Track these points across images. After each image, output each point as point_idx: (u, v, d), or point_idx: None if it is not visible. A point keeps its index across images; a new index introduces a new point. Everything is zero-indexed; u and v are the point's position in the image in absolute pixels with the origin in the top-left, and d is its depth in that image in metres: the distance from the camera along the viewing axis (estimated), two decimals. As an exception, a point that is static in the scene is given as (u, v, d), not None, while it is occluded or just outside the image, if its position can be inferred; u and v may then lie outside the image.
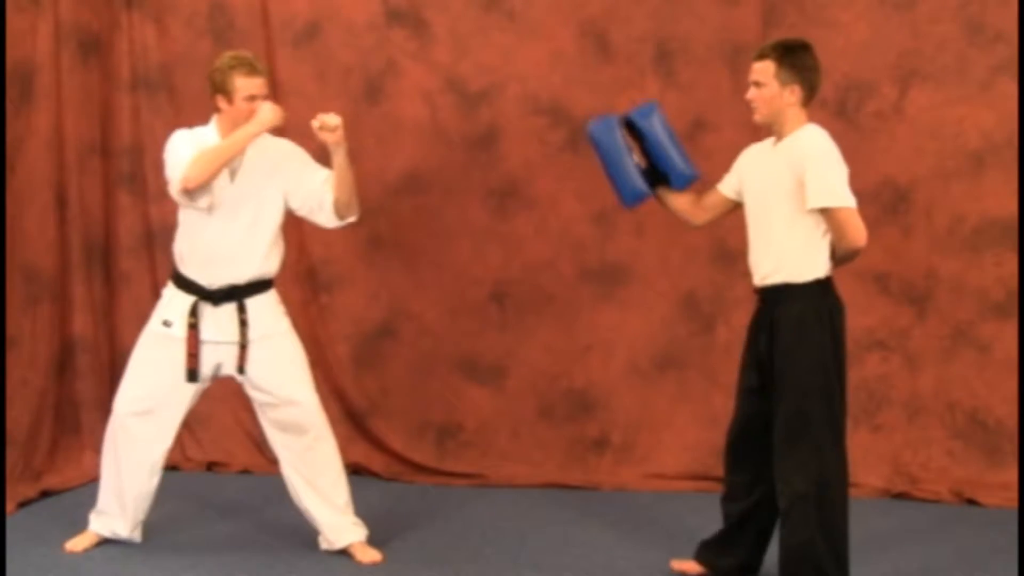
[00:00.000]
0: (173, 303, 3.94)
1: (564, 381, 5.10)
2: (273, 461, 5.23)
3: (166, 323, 3.93)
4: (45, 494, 4.73)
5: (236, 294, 3.92)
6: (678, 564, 3.84)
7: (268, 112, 3.78)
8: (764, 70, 3.47)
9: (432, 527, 4.38)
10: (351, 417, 5.21)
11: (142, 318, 5.31)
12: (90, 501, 4.68)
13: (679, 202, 3.79)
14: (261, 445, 5.32)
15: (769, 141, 3.60)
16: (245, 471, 5.24)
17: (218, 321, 3.91)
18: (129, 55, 5.30)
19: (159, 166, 5.28)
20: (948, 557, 3.98)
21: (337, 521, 4.02)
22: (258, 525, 4.39)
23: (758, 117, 3.53)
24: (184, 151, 3.78)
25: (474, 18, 5.05)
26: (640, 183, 3.68)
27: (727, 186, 3.72)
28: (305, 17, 5.19)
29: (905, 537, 4.08)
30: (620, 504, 4.71)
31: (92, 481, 4.96)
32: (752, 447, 3.60)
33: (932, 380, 4.79)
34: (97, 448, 5.11)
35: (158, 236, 5.34)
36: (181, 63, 5.29)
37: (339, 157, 3.86)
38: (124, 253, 5.34)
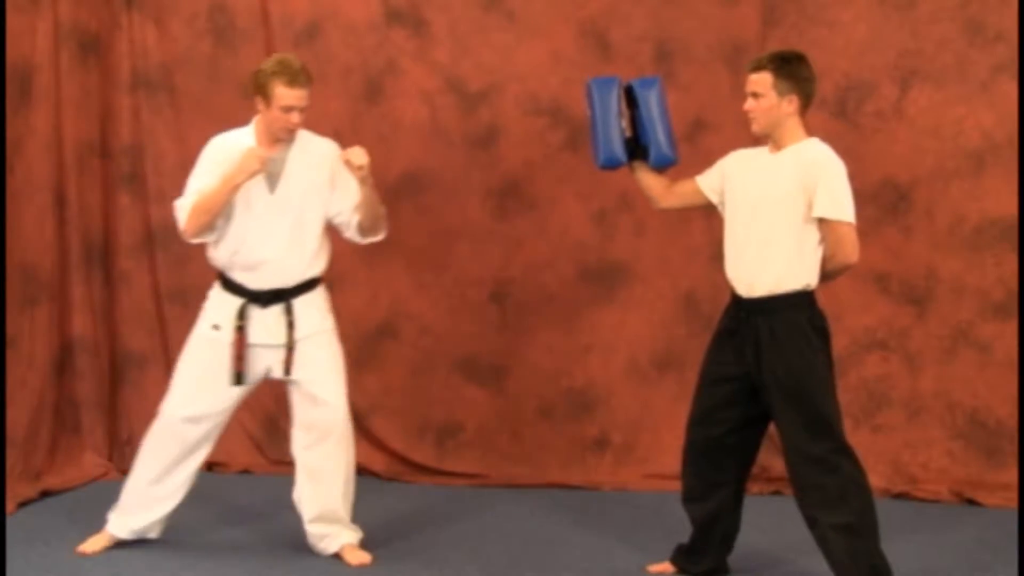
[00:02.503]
0: (222, 306, 3.91)
1: (564, 381, 5.10)
2: (273, 461, 5.28)
3: (216, 327, 3.90)
4: (45, 494, 4.72)
5: (284, 295, 3.90)
6: (654, 568, 3.85)
7: (253, 162, 3.73)
8: (762, 81, 3.49)
9: (432, 527, 4.38)
10: (351, 417, 5.19)
11: (142, 318, 5.36)
12: (90, 501, 4.68)
13: (652, 180, 3.82)
14: (261, 445, 5.33)
15: (762, 149, 3.61)
16: (245, 471, 5.24)
17: (266, 324, 3.88)
18: (129, 55, 5.30)
19: (159, 166, 5.35)
20: (948, 557, 3.98)
21: (331, 530, 3.99)
22: (258, 525, 4.39)
23: (756, 128, 3.55)
24: (189, 195, 3.84)
25: (474, 18, 5.05)
26: (619, 149, 3.72)
27: (707, 183, 3.73)
28: (305, 17, 5.19)
29: (905, 537, 4.08)
30: (620, 504, 4.71)
31: (92, 481, 4.98)
32: (719, 451, 3.64)
33: (932, 380, 4.79)
34: (97, 448, 5.13)
35: (158, 236, 5.34)
36: (181, 63, 5.29)
37: (363, 192, 3.86)
38: (124, 253, 5.34)
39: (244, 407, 5.31)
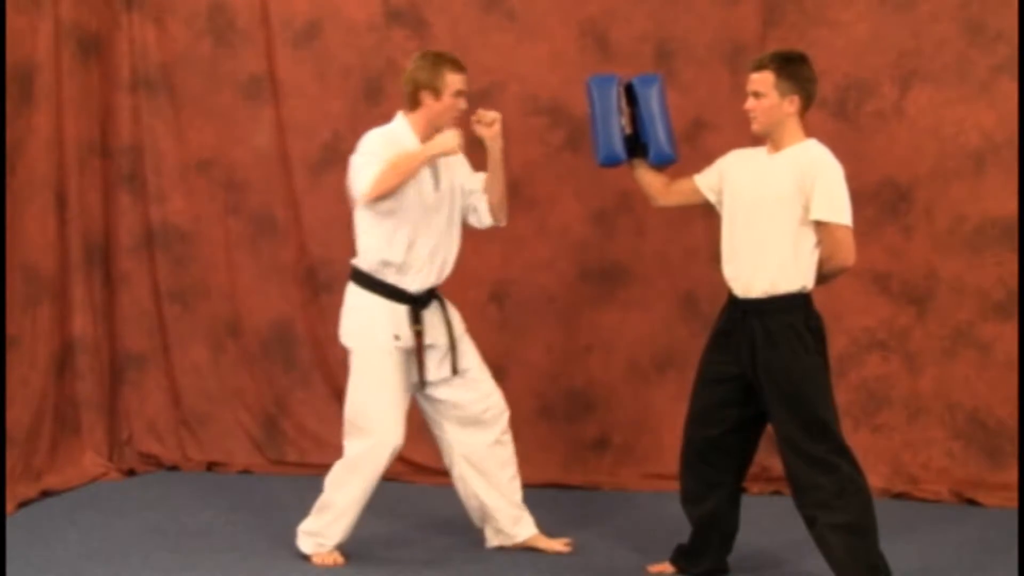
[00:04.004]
0: (389, 315, 3.83)
1: (564, 381, 5.10)
2: (273, 461, 5.28)
3: (397, 337, 3.83)
4: (45, 494, 4.72)
5: (434, 293, 3.91)
6: (654, 568, 3.85)
7: (452, 139, 3.72)
8: (763, 81, 3.49)
9: (432, 527, 4.38)
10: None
11: (142, 318, 5.36)
12: (90, 501, 4.69)
13: (651, 178, 3.82)
14: (261, 445, 5.33)
15: (761, 149, 3.61)
16: (245, 471, 5.24)
17: (428, 325, 3.88)
18: (129, 55, 5.30)
19: (159, 166, 5.35)
20: (948, 557, 3.98)
21: (516, 514, 4.02)
22: (257, 525, 4.38)
23: (757, 127, 3.54)
24: (372, 165, 3.74)
25: (474, 18, 5.06)
26: (619, 147, 3.72)
27: (704, 182, 3.72)
28: (305, 17, 5.19)
29: (905, 537, 4.08)
30: (620, 504, 4.71)
31: (92, 481, 4.98)
32: (716, 452, 3.64)
33: (932, 380, 4.79)
34: (97, 448, 5.13)
35: (158, 236, 5.35)
36: (181, 63, 5.29)
37: (494, 152, 3.84)
38: (124, 253, 5.34)
39: (244, 407, 5.34)
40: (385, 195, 3.73)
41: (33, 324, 4.87)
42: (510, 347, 5.13)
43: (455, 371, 3.91)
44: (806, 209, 3.42)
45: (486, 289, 5.14)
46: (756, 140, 3.70)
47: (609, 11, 4.95)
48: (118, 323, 5.33)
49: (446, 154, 3.76)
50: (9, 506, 4.44)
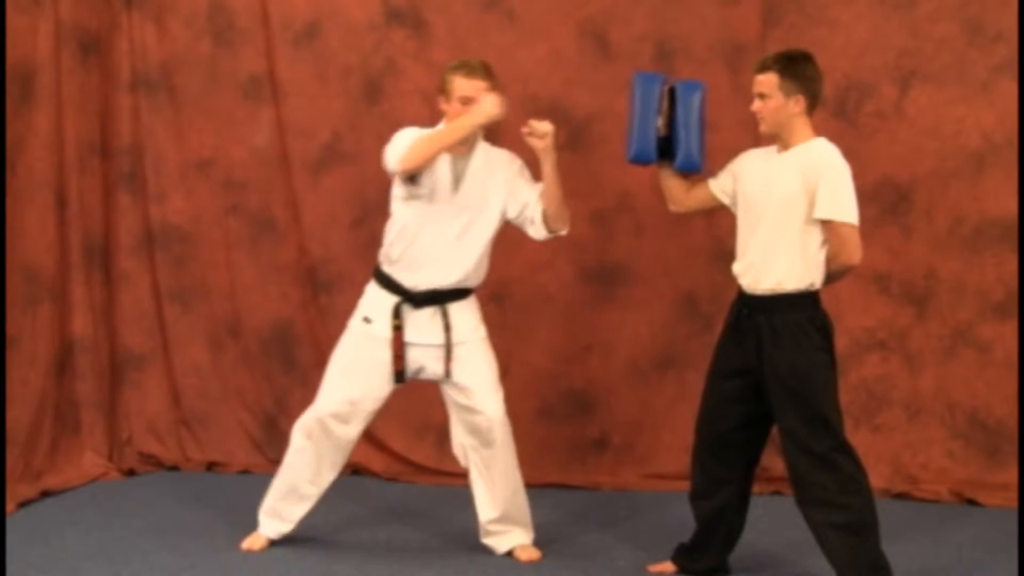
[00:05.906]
0: (376, 303, 3.92)
1: (564, 381, 5.10)
2: (273, 461, 5.26)
3: (366, 319, 3.90)
4: (45, 494, 4.73)
5: (438, 298, 3.90)
6: (655, 567, 3.85)
7: (490, 104, 3.73)
8: (768, 82, 3.50)
9: (432, 527, 4.38)
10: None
11: (142, 318, 5.37)
12: (90, 501, 4.69)
13: (672, 183, 3.81)
14: (261, 445, 5.33)
15: (771, 148, 3.61)
16: (245, 471, 5.24)
17: (418, 323, 3.89)
18: (129, 55, 5.30)
19: (159, 166, 5.35)
20: (948, 557, 3.98)
21: (504, 529, 4.03)
22: (257, 525, 4.38)
23: (764, 128, 3.55)
24: (405, 139, 3.80)
25: (474, 18, 5.05)
26: (652, 147, 3.69)
27: (718, 185, 3.73)
28: (305, 17, 5.19)
29: (905, 537, 4.08)
30: (620, 504, 4.71)
31: (92, 481, 4.98)
32: (726, 448, 3.65)
33: (932, 380, 4.79)
34: (97, 448, 5.13)
35: (158, 236, 5.35)
36: (181, 63, 5.29)
37: (547, 165, 3.84)
38: (124, 253, 5.34)
39: (244, 407, 5.34)
40: (419, 166, 3.76)
41: (33, 324, 4.87)
42: (510, 347, 5.11)
43: (447, 374, 3.91)
44: (812, 207, 3.43)
45: (486, 289, 5.09)
46: (757, 140, 3.70)
47: (609, 11, 4.95)
48: (118, 323, 5.33)
49: (488, 121, 3.75)
50: (9, 506, 4.44)
